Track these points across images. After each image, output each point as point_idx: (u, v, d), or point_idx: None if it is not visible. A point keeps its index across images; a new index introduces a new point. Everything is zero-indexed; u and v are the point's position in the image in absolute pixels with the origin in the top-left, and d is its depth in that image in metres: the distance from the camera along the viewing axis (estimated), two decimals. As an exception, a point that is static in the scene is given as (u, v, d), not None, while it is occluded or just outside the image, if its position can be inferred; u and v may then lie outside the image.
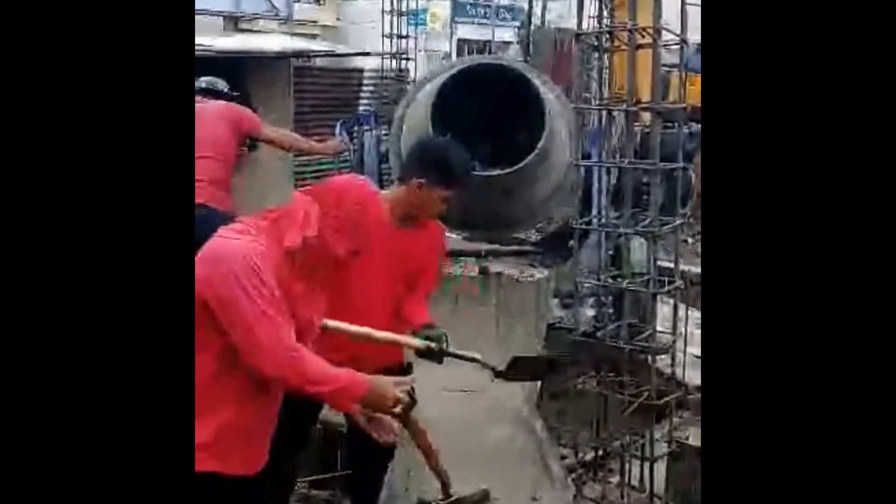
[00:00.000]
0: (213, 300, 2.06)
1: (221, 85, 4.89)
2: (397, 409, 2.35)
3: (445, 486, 2.73)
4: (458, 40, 17.50)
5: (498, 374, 3.11)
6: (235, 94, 5.10)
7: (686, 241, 9.02)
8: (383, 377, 2.39)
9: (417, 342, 2.94)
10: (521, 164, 4.56)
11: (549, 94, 4.48)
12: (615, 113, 3.89)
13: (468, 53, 14.83)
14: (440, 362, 3.00)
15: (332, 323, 2.60)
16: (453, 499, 2.74)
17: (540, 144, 4.47)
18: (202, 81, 4.84)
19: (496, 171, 4.67)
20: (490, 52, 13.00)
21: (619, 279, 3.74)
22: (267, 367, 2.12)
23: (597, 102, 4.07)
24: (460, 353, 3.13)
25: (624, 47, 3.58)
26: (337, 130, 4.94)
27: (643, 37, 3.51)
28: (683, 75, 3.88)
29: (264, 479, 2.33)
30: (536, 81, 4.48)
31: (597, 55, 4.01)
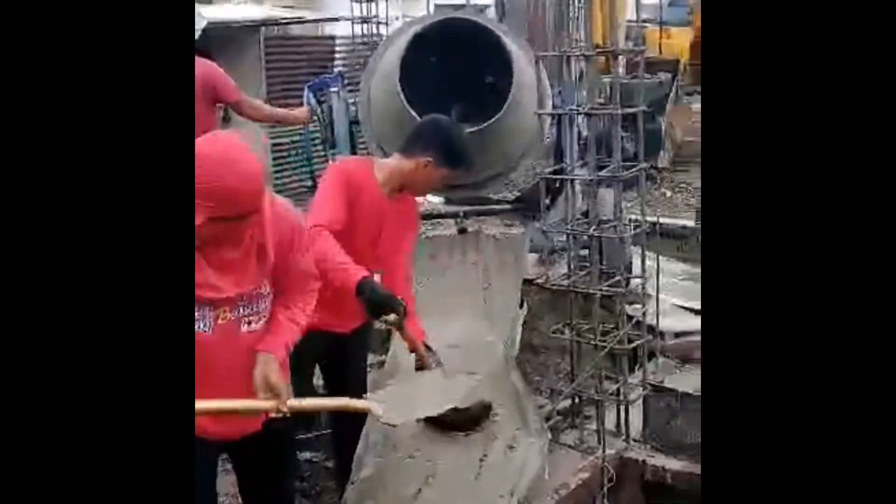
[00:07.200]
0: None
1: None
2: (391, 318, 2.87)
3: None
4: (436, 6, 17.22)
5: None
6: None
7: (665, 193, 9.03)
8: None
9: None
10: (493, 119, 4.52)
11: (514, 46, 4.43)
12: (579, 61, 3.86)
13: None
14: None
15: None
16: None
17: (509, 99, 4.43)
18: None
19: (470, 128, 4.62)
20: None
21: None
22: None
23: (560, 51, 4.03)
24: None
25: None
26: (304, 95, 4.87)
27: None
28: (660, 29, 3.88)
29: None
30: (498, 32, 4.43)
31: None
